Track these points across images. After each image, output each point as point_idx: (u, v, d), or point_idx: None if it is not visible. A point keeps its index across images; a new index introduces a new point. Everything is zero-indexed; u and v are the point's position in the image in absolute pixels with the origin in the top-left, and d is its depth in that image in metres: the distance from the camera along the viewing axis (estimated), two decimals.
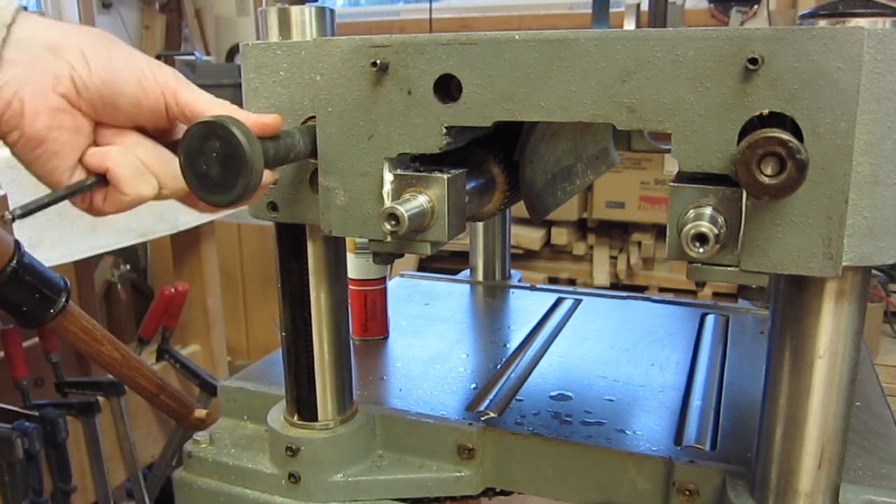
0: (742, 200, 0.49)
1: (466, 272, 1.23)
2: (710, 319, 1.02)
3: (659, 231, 3.06)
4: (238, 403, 0.82)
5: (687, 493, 0.64)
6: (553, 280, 3.16)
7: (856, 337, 0.54)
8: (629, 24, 1.06)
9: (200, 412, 1.63)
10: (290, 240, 0.68)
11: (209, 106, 0.57)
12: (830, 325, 0.54)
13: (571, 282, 3.16)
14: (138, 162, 0.57)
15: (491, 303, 1.13)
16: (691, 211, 0.49)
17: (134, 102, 0.56)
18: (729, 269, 0.51)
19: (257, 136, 0.51)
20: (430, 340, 0.96)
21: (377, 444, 0.75)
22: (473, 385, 0.83)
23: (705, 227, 0.47)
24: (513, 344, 0.95)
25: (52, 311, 1.26)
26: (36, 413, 1.37)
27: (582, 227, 3.23)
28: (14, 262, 1.17)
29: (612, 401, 0.79)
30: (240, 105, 0.63)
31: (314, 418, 0.71)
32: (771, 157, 0.45)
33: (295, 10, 0.63)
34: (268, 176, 0.57)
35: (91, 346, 1.38)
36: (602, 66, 0.51)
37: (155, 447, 1.80)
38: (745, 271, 0.50)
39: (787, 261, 0.49)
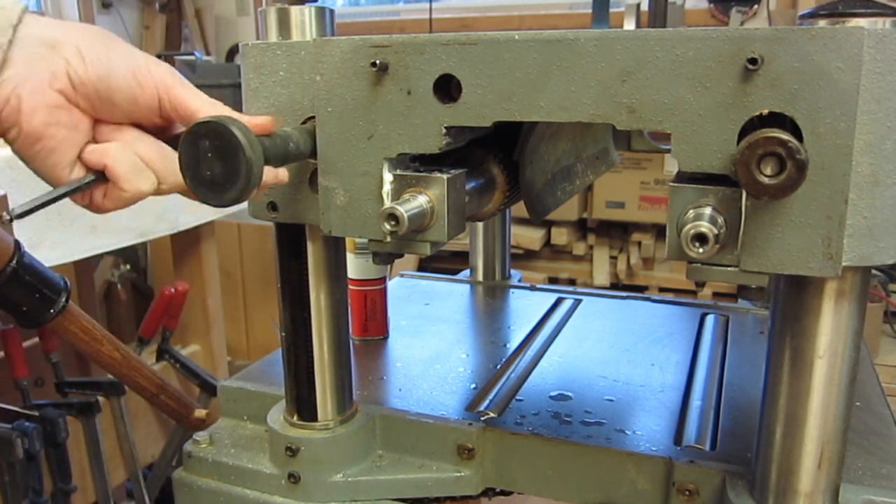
0: (742, 200, 0.49)
1: (466, 272, 1.23)
2: (710, 319, 1.02)
3: (659, 231, 3.06)
4: (238, 403, 0.82)
5: (687, 493, 0.64)
6: (553, 280, 3.16)
7: (856, 337, 0.54)
8: (629, 24, 1.06)
9: (200, 412, 1.63)
10: (290, 240, 0.68)
11: (202, 105, 0.57)
12: (830, 325, 0.54)
13: (571, 282, 3.16)
14: (137, 158, 0.57)
15: (491, 303, 1.13)
16: (691, 211, 0.49)
17: (130, 97, 0.56)
18: (729, 269, 0.51)
19: None
20: (430, 340, 0.96)
21: (377, 444, 0.75)
22: (473, 385, 0.83)
23: (705, 227, 0.47)
24: (513, 344, 0.95)
25: (52, 311, 1.26)
26: (36, 413, 1.37)
27: (582, 227, 3.23)
28: (14, 261, 1.17)
29: (612, 401, 0.79)
30: (239, 105, 0.63)
31: (314, 418, 0.71)
32: (771, 157, 0.45)
33: (295, 11, 0.63)
34: (271, 175, 0.57)
35: (91, 346, 1.38)
36: (602, 66, 0.51)
37: (155, 447, 1.79)
38: (745, 271, 0.50)
39: (786, 261, 0.49)
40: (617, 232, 3.18)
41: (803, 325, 0.54)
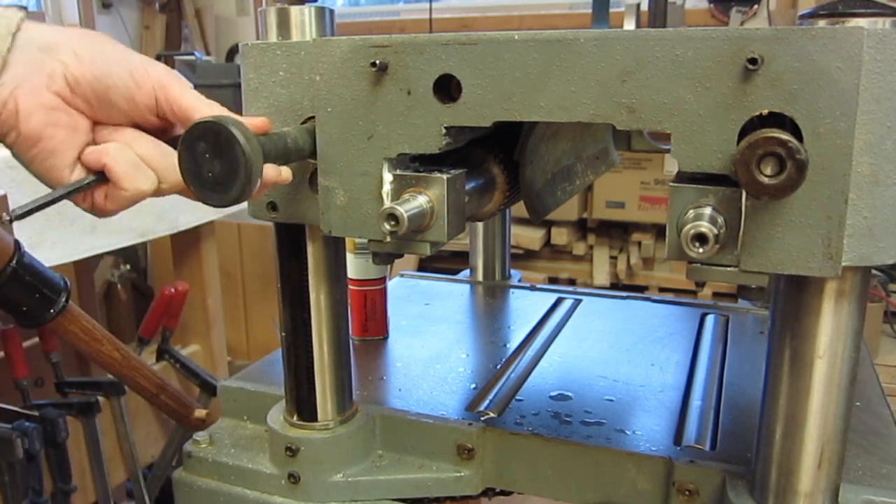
0: (742, 200, 0.49)
1: (466, 272, 1.23)
2: (710, 319, 1.02)
3: (659, 231, 3.06)
4: (238, 403, 0.82)
5: (687, 493, 0.64)
6: (553, 280, 3.16)
7: (856, 337, 0.54)
8: (629, 24, 1.06)
9: (200, 412, 1.63)
10: (290, 240, 0.68)
11: (199, 105, 0.58)
12: (830, 326, 0.54)
13: (571, 282, 3.16)
14: (136, 157, 0.57)
15: (491, 303, 1.13)
16: (691, 211, 0.49)
17: (127, 96, 0.57)
18: (728, 269, 0.51)
19: None
20: (430, 340, 0.96)
21: (377, 444, 0.75)
22: (473, 385, 0.83)
23: (705, 227, 0.47)
24: (513, 344, 0.95)
25: (52, 311, 1.26)
26: (36, 413, 1.37)
27: (582, 227, 3.23)
28: (14, 262, 1.17)
29: (612, 401, 0.79)
30: (239, 105, 0.63)
31: (314, 418, 0.71)
32: (771, 157, 0.45)
33: (294, 11, 0.63)
34: (274, 173, 0.57)
35: (91, 346, 1.38)
36: (602, 66, 0.51)
37: (155, 447, 1.79)
38: (745, 271, 0.50)
39: (786, 261, 0.49)
40: (617, 232, 3.18)
41: (803, 325, 0.54)
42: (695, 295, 2.90)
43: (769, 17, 3.02)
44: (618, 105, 0.51)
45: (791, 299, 0.55)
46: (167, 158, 0.58)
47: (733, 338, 0.96)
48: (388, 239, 0.59)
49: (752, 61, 0.47)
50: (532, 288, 1.17)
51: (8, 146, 0.56)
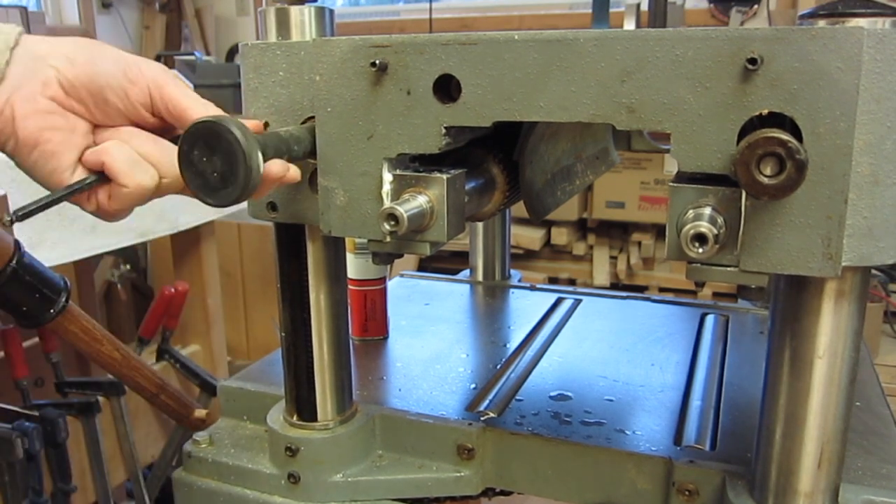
0: (741, 200, 0.49)
1: (466, 272, 1.23)
2: (710, 319, 1.02)
3: (659, 231, 3.06)
4: (238, 403, 0.82)
5: (687, 493, 0.64)
6: (553, 280, 3.16)
7: (855, 337, 0.54)
8: (629, 24, 1.06)
9: (200, 412, 1.63)
10: (290, 240, 0.68)
11: (193, 104, 0.58)
12: (830, 326, 0.54)
13: (571, 282, 3.16)
14: (134, 153, 0.57)
15: (491, 303, 1.13)
16: (691, 211, 0.49)
17: (121, 94, 0.57)
18: (728, 269, 0.51)
19: None
20: (429, 340, 0.96)
21: (377, 444, 0.75)
22: (473, 385, 0.83)
23: (705, 227, 0.47)
24: (513, 344, 0.95)
25: (52, 311, 1.26)
26: (36, 413, 1.37)
27: (582, 227, 3.23)
28: (14, 262, 1.17)
29: (611, 401, 0.79)
30: (239, 105, 0.63)
31: (314, 418, 0.71)
32: (770, 157, 0.45)
33: (294, 11, 0.63)
34: (281, 169, 0.57)
35: (91, 346, 1.38)
36: (602, 66, 0.51)
37: (155, 447, 1.80)
38: (745, 271, 0.50)
39: (786, 261, 0.49)
40: (617, 232, 3.18)
41: (803, 325, 0.54)
42: (695, 295, 2.90)
43: (769, 17, 3.02)
44: (618, 105, 0.51)
45: (791, 299, 0.55)
46: (166, 153, 0.58)
47: (733, 338, 0.96)
48: (388, 239, 0.59)
49: (752, 61, 0.47)
50: (532, 288, 1.17)
51: (9, 155, 0.57)
